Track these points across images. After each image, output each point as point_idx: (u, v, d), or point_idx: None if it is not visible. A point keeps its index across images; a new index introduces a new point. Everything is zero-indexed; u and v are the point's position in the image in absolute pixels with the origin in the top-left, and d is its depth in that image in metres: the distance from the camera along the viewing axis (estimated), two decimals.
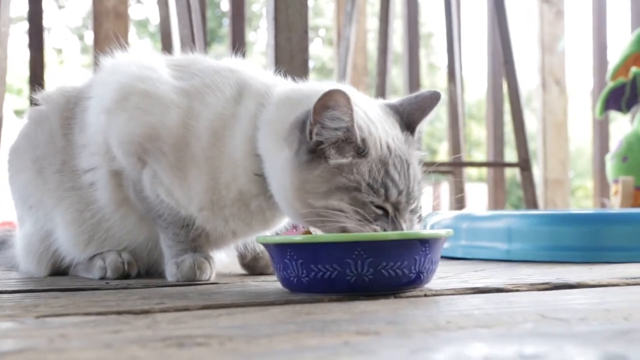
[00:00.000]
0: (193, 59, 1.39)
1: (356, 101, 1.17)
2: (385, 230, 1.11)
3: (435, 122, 11.81)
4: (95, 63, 1.47)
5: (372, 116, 1.16)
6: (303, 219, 1.16)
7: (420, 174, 1.18)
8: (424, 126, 1.24)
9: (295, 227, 1.32)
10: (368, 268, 1.03)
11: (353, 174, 1.10)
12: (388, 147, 1.13)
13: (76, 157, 1.41)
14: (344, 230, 1.11)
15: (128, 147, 1.30)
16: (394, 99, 1.27)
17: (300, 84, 1.29)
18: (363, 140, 1.11)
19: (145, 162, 1.30)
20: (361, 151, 1.11)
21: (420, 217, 1.18)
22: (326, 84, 1.23)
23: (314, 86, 1.23)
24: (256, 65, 1.40)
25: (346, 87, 1.19)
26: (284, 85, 1.30)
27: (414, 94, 1.24)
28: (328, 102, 1.09)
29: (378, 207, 1.11)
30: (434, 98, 1.22)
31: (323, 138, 1.11)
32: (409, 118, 1.21)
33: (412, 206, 1.15)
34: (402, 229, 1.12)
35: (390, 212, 1.12)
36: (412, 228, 1.15)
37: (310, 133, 1.11)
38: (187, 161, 1.26)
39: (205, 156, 1.25)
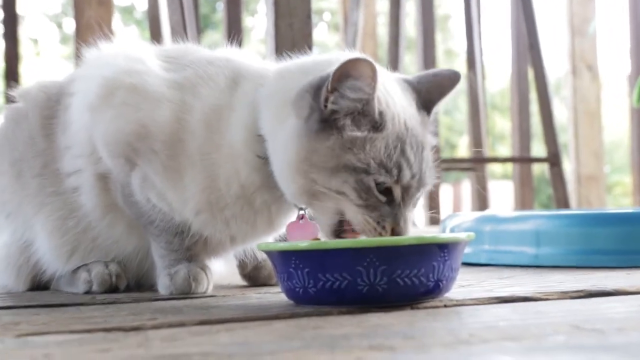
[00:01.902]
0: (185, 50, 1.40)
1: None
2: (379, 222, 1.13)
3: (454, 113, 11.79)
4: (77, 54, 1.48)
5: (390, 89, 1.19)
6: (300, 196, 1.18)
7: (432, 161, 1.20)
8: (440, 106, 1.26)
9: (301, 217, 1.32)
10: (381, 277, 1.03)
11: (365, 151, 1.13)
12: (405, 125, 1.16)
13: (59, 160, 1.42)
14: (340, 214, 1.15)
15: (115, 147, 1.31)
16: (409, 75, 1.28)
17: (303, 57, 1.31)
18: (380, 114, 1.14)
19: (134, 163, 1.31)
20: (377, 125, 1.14)
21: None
22: (336, 54, 1.25)
23: (325, 56, 1.26)
24: (254, 54, 1.41)
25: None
26: (287, 61, 1.32)
27: (432, 71, 1.26)
28: (351, 70, 1.11)
29: (384, 191, 1.14)
30: (454, 78, 1.25)
31: (338, 107, 1.13)
32: (426, 97, 1.23)
33: (418, 194, 1.18)
34: (403, 221, 1.15)
35: (396, 197, 1.15)
36: (409, 223, 1.17)
37: (326, 100, 1.13)
38: (182, 160, 1.28)
39: (201, 152, 1.27)
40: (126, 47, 1.41)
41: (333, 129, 1.13)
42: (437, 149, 1.27)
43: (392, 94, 1.18)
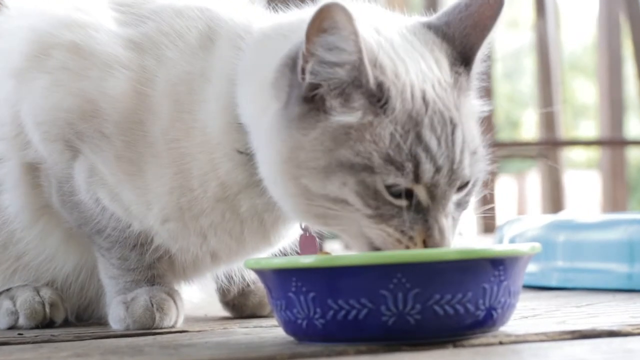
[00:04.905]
0: None
1: (377, 24, 1.19)
2: (404, 232, 1.13)
3: (516, 77, 11.76)
4: None
5: (400, 48, 1.18)
6: (303, 214, 1.19)
7: (478, 138, 1.18)
8: (483, 50, 1.22)
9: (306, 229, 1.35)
10: (413, 303, 1.05)
11: (364, 142, 1.12)
12: (423, 98, 1.14)
13: None
14: (363, 238, 1.15)
15: (50, 128, 1.33)
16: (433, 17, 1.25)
17: (294, 10, 1.32)
18: (379, 85, 1.13)
19: (77, 150, 1.34)
20: (377, 101, 1.12)
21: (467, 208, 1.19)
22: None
23: (313, 7, 1.22)
24: None
25: (357, 3, 1.21)
26: (270, 17, 1.34)
27: (462, 2, 1.22)
28: (322, 22, 1.11)
29: (400, 194, 1.12)
30: (493, 3, 1.21)
31: (320, 79, 1.13)
32: (464, 42, 1.21)
33: (460, 194, 1.16)
34: (438, 230, 1.13)
35: (422, 200, 1.13)
36: (454, 231, 1.17)
37: (303, 71, 1.14)
38: (142, 148, 1.30)
39: (166, 139, 1.29)
40: None
41: (320, 113, 1.13)
42: (490, 121, 1.27)
43: (404, 55, 1.16)
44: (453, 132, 1.14)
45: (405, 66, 1.15)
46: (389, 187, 1.12)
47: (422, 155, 1.11)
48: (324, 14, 1.10)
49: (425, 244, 1.13)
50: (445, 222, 1.14)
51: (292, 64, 1.15)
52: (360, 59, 1.11)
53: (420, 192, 1.13)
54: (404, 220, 1.13)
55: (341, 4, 1.09)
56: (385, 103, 1.12)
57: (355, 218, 1.14)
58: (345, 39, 1.10)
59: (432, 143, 1.12)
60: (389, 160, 1.11)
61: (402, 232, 1.13)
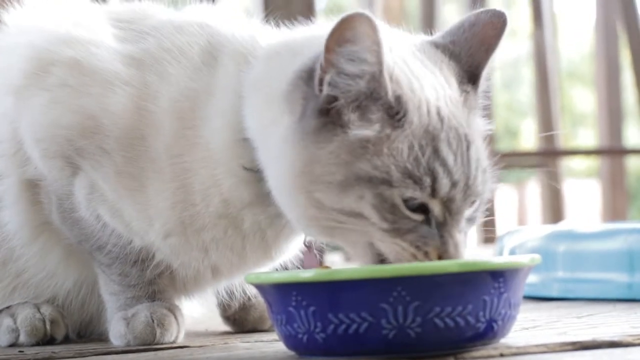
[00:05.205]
0: (143, 11, 1.43)
1: (389, 42, 1.19)
2: (419, 247, 1.14)
3: (514, 87, 11.77)
4: None
5: (412, 65, 1.19)
6: (312, 229, 1.20)
7: (486, 157, 1.20)
8: (488, 69, 1.25)
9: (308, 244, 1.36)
10: (414, 317, 1.06)
11: (382, 156, 1.13)
12: (439, 114, 1.16)
13: None
14: (370, 251, 1.16)
15: (50, 145, 1.34)
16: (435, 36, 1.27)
17: (301, 28, 1.33)
18: (398, 98, 1.14)
19: (77, 167, 1.34)
20: (395, 114, 1.13)
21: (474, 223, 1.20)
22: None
23: (325, 25, 1.24)
24: (238, 12, 1.44)
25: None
26: (276, 34, 1.35)
27: (464, 22, 1.25)
28: (345, 32, 1.12)
29: (416, 208, 1.13)
30: (497, 23, 1.23)
31: (338, 91, 1.14)
32: (470, 61, 1.23)
33: (471, 209, 1.17)
34: (453, 246, 1.14)
35: (437, 215, 1.14)
36: (462, 248, 1.17)
37: (321, 82, 1.14)
38: (143, 164, 1.31)
39: (169, 154, 1.30)
40: (62, 5, 1.44)
41: (336, 127, 1.14)
42: (491, 138, 1.28)
43: (418, 73, 1.18)
44: (468, 149, 1.16)
45: (419, 82, 1.17)
46: (405, 201, 1.13)
47: (440, 170, 1.13)
48: (346, 24, 1.11)
49: (440, 259, 1.14)
50: (460, 237, 1.15)
51: (307, 77, 1.16)
52: (380, 71, 1.12)
53: (436, 207, 1.14)
54: (420, 235, 1.14)
55: (365, 14, 1.10)
56: (403, 116, 1.14)
57: (366, 231, 1.15)
58: (367, 49, 1.12)
59: (449, 158, 1.14)
60: (407, 173, 1.12)
61: (417, 247, 1.14)
